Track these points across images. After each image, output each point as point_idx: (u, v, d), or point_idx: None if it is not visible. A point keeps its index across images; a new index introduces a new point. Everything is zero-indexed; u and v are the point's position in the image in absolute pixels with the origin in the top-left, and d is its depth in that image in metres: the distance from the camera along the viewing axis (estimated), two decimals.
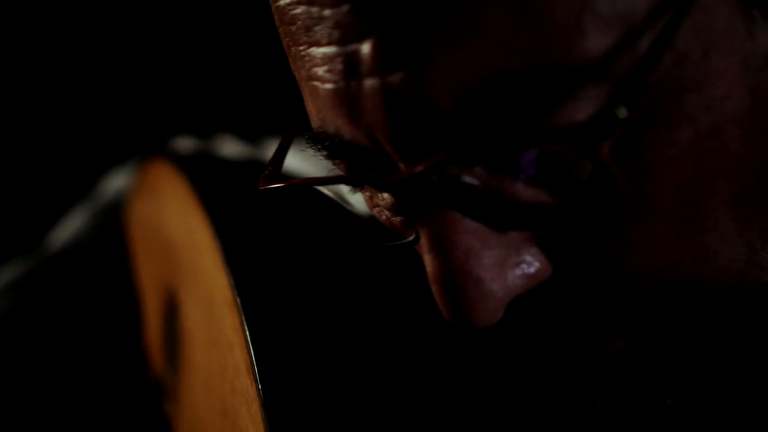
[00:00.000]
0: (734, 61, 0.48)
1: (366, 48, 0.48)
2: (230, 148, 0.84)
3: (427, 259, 0.50)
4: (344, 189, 0.59)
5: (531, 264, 0.51)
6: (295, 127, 0.56)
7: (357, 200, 0.63)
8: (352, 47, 0.48)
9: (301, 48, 0.51)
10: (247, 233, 0.61)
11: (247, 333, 0.54)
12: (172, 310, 0.68)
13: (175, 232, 0.69)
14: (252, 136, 0.88)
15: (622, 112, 0.45)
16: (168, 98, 1.20)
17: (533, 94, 0.46)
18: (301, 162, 0.64)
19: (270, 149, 0.64)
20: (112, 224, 0.78)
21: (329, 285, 0.59)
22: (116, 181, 0.84)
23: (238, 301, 0.55)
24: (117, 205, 0.81)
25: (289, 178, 0.54)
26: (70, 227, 0.80)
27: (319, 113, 0.52)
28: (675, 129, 0.48)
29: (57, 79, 1.19)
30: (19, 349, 0.69)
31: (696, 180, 0.49)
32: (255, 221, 0.63)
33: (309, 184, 0.55)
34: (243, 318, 0.54)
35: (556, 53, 0.45)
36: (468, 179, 0.49)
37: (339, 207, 0.63)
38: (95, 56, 1.19)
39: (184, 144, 0.84)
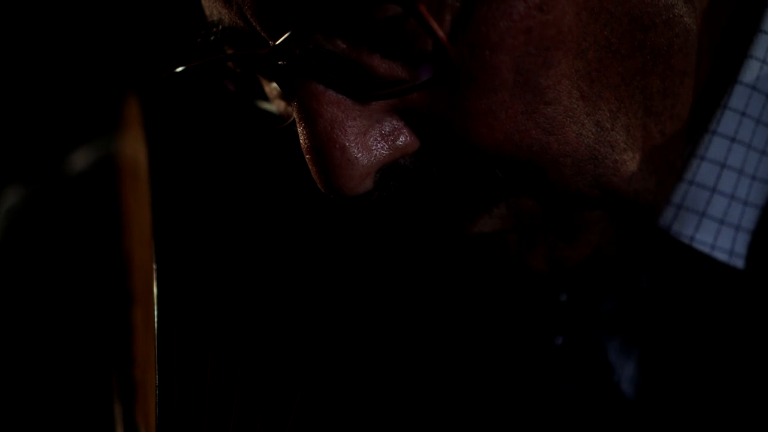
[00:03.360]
0: None
1: None
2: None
3: (299, 132, 0.55)
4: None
5: (395, 135, 0.56)
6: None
7: None
8: None
9: None
10: (177, 172, 0.70)
11: (155, 264, 0.62)
12: (138, 234, 0.77)
13: (137, 162, 0.78)
14: None
15: None
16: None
17: None
18: None
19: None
20: (109, 159, 0.87)
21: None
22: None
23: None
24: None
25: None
26: (74, 162, 0.89)
27: (205, 1, 0.58)
28: (506, 2, 0.52)
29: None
30: (12, 265, 0.79)
31: (531, 51, 0.53)
32: (192, 160, 0.71)
33: (201, 64, 0.59)
34: (153, 252, 0.63)
35: None
36: (328, 51, 0.54)
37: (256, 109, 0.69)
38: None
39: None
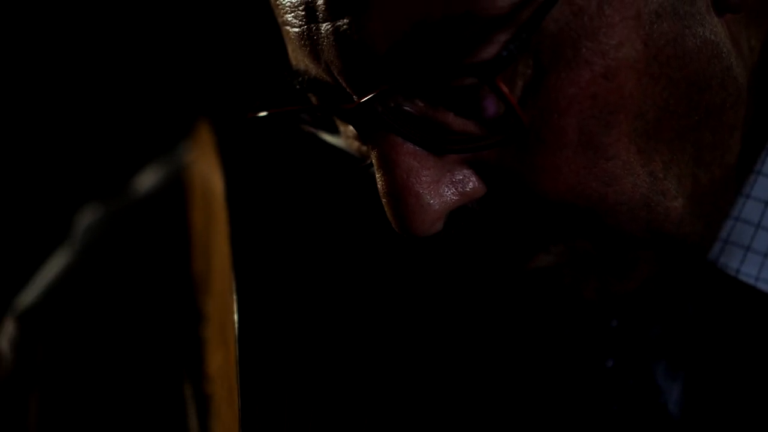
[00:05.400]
0: (627, 14, 0.57)
1: None
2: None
3: (377, 177, 0.61)
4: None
5: (464, 183, 0.61)
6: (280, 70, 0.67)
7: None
8: None
9: None
10: (253, 195, 0.74)
11: (234, 281, 0.67)
12: (207, 255, 0.81)
13: (212, 186, 0.82)
14: None
15: (513, 51, 0.55)
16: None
17: (452, 38, 0.56)
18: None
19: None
20: (178, 180, 0.91)
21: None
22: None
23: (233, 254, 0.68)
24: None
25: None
26: (145, 179, 0.93)
27: (292, 53, 0.63)
28: (574, 71, 0.57)
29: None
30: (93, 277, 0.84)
31: (596, 114, 0.58)
32: (265, 183, 0.76)
33: (287, 112, 0.66)
34: (233, 267, 0.67)
35: (470, 4, 0.56)
36: (408, 109, 0.60)
37: (331, 147, 0.74)
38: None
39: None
